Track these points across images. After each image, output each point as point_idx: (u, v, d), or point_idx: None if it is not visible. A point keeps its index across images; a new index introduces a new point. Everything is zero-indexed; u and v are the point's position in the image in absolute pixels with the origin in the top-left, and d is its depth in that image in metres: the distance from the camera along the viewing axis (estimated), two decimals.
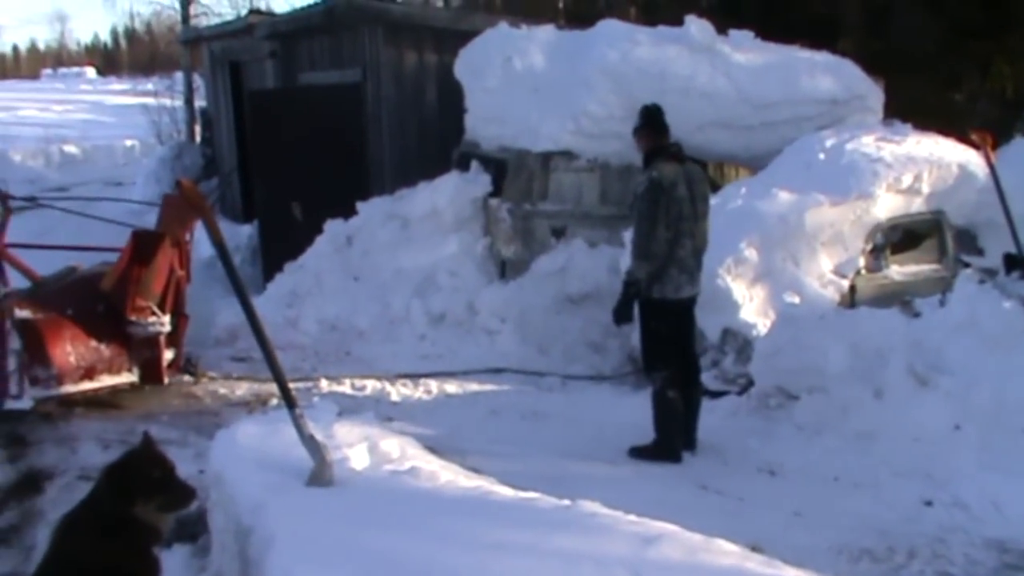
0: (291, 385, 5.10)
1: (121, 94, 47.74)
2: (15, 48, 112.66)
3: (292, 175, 13.12)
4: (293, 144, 13.08)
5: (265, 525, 4.09)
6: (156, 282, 8.81)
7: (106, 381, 8.83)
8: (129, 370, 8.97)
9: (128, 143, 30.80)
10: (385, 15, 13.32)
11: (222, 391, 9.48)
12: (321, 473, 4.60)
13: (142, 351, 8.96)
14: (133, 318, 8.74)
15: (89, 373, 8.71)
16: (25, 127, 33.37)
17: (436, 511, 4.24)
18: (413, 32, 13.49)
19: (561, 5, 21.95)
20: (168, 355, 9.16)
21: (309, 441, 4.72)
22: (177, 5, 27.89)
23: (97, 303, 8.84)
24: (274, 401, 8.74)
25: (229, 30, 18.37)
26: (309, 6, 14.65)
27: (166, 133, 25.95)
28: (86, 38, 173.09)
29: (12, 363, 8.24)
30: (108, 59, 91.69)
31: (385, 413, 8.38)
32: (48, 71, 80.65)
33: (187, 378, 9.60)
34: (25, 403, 8.31)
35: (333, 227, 12.17)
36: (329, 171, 13.05)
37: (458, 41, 12.67)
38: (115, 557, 3.75)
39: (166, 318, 8.93)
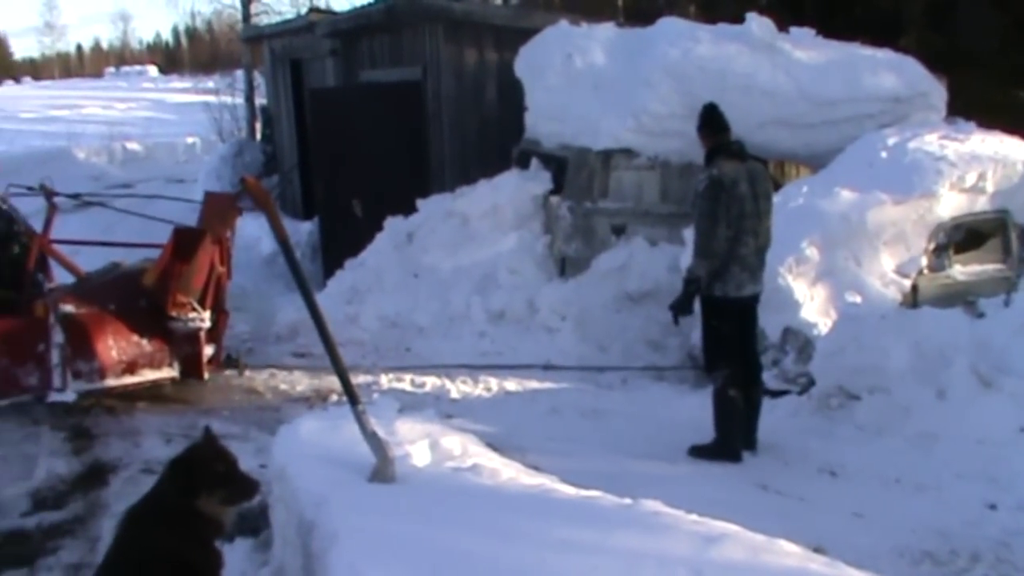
0: (352, 381, 5.12)
1: (183, 92, 48.36)
2: (79, 47, 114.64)
3: (352, 172, 13.21)
4: (353, 141, 13.17)
5: (328, 520, 4.12)
6: (197, 278, 8.92)
7: (147, 376, 8.98)
8: (170, 365, 9.11)
9: (189, 140, 31.07)
10: (445, 13, 13.36)
11: (283, 386, 9.55)
12: (383, 469, 4.61)
13: (183, 346, 9.10)
14: (174, 314, 8.86)
15: (130, 367, 8.86)
16: (89, 125, 33.76)
17: (498, 508, 4.25)
18: (473, 30, 13.55)
19: (621, 3, 21.88)
20: (208, 351, 9.29)
21: (371, 437, 4.74)
22: (238, 4, 28.06)
23: (139, 299, 8.97)
24: (334, 397, 8.84)
25: (290, 28, 18.49)
26: (370, 4, 14.74)
27: (227, 131, 26.11)
28: (148, 37, 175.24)
29: (56, 356, 8.42)
30: (170, 58, 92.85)
31: (445, 410, 8.43)
32: (111, 70, 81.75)
33: (247, 372, 9.72)
34: (68, 396, 8.51)
35: (393, 224, 12.26)
36: (389, 168, 13.14)
37: (518, 39, 12.71)
38: (178, 549, 3.78)
39: (206, 314, 9.04)
